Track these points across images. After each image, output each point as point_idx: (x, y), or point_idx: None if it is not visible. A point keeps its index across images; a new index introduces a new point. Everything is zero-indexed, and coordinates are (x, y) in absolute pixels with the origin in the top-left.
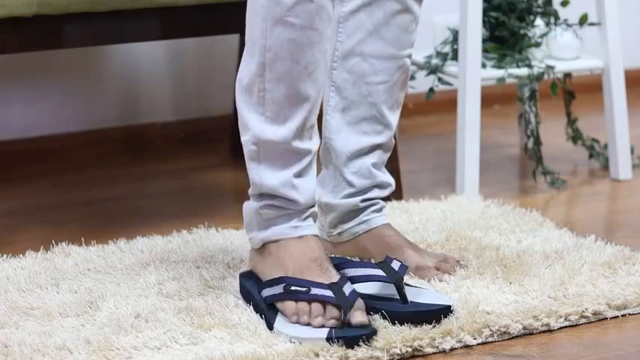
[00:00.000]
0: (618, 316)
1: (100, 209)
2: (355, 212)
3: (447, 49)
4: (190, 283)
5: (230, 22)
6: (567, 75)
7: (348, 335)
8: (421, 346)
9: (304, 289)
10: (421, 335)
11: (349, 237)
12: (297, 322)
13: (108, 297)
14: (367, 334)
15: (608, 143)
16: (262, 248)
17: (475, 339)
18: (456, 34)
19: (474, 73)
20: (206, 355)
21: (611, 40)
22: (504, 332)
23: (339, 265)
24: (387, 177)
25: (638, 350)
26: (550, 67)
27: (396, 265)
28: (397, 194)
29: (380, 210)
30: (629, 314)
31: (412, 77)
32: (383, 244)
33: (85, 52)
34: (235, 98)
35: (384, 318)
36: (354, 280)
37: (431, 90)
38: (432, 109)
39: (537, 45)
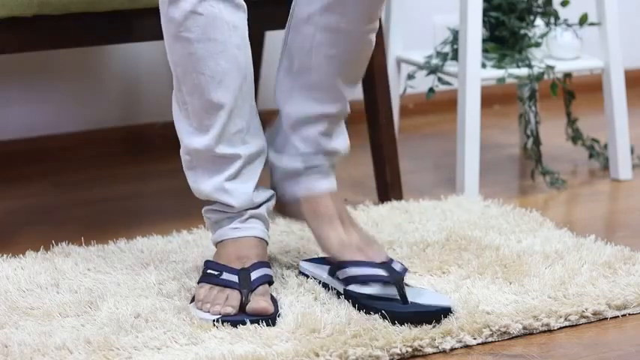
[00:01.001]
0: (618, 316)
1: (100, 209)
2: (297, 174)
3: (447, 49)
4: (190, 283)
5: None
6: (567, 75)
7: (234, 320)
8: (421, 346)
9: (217, 272)
10: (421, 335)
11: (291, 199)
12: (200, 309)
13: (108, 297)
14: (255, 319)
15: (608, 143)
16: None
17: (475, 339)
18: (456, 34)
19: (474, 73)
20: (206, 355)
21: (611, 40)
22: (504, 332)
23: (341, 264)
24: (335, 143)
25: (638, 350)
26: (550, 67)
27: (396, 265)
28: (397, 194)
29: (326, 175)
30: (629, 314)
31: (412, 77)
32: (315, 213)
33: (85, 52)
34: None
35: (384, 318)
36: (354, 280)
37: (431, 90)
38: (432, 109)
39: (537, 45)
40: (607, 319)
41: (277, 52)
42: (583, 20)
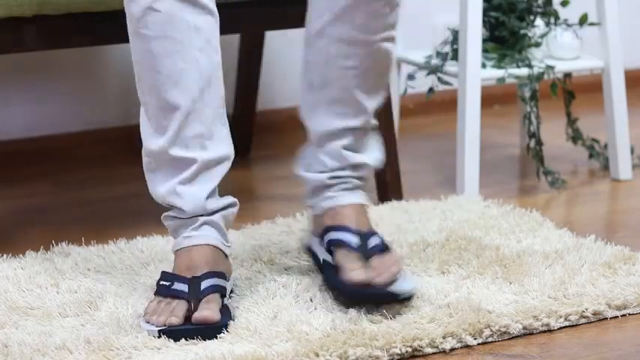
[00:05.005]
0: (618, 316)
1: (100, 209)
2: (323, 188)
3: (447, 49)
4: None
5: (230, 22)
6: (567, 75)
7: (177, 329)
8: (421, 346)
9: (168, 283)
10: (421, 335)
11: (319, 211)
12: (147, 322)
13: (108, 297)
14: (200, 329)
15: (608, 143)
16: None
17: (475, 339)
18: (456, 34)
19: (474, 73)
20: (206, 355)
21: (611, 40)
22: (504, 332)
23: (324, 230)
24: (362, 157)
25: (638, 350)
26: (550, 67)
27: (374, 240)
28: (397, 194)
29: (352, 189)
30: (629, 314)
31: (412, 77)
32: (333, 220)
33: (85, 52)
34: None
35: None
36: (328, 244)
37: (431, 90)
38: (432, 109)
39: (537, 45)
40: (607, 319)
41: (277, 52)
42: (583, 20)
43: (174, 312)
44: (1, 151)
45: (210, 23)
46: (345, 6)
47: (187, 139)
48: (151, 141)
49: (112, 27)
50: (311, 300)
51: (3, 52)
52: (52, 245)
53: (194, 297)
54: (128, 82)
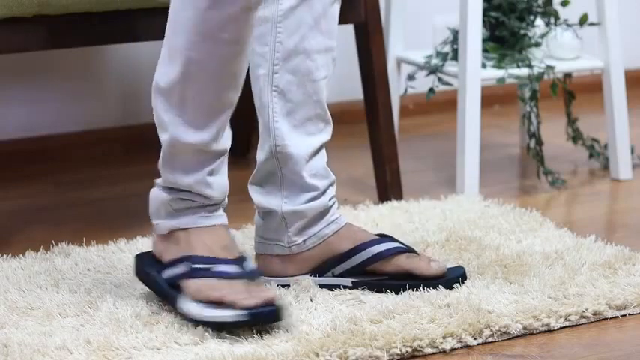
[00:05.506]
0: (618, 316)
1: (100, 209)
2: (322, 214)
3: (447, 49)
4: None
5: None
6: (567, 75)
7: (264, 312)
8: (421, 346)
9: (208, 266)
10: (421, 335)
11: (316, 241)
12: (203, 301)
13: (108, 297)
14: (276, 309)
15: (608, 143)
16: (168, 235)
17: (475, 339)
18: (456, 34)
19: (474, 73)
20: (206, 355)
21: (611, 40)
22: (504, 332)
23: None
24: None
25: (638, 350)
26: (550, 67)
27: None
28: (397, 194)
29: (337, 207)
30: (629, 314)
31: (412, 77)
32: (356, 238)
33: (85, 52)
34: (152, 99)
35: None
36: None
37: (431, 90)
38: (432, 109)
39: (537, 45)
40: (607, 319)
41: None
42: (583, 20)
43: (253, 293)
44: (1, 151)
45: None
46: (317, 15)
47: (222, 132)
48: (185, 133)
49: (112, 27)
50: (311, 300)
51: (3, 52)
52: (52, 245)
53: (250, 278)
54: (128, 82)
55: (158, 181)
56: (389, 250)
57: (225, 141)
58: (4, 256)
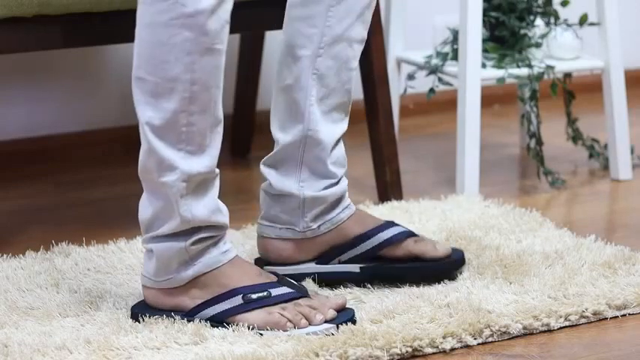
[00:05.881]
0: (618, 316)
1: (100, 209)
2: (339, 200)
3: (447, 49)
4: None
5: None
6: (567, 75)
7: (345, 319)
8: (421, 346)
9: (265, 293)
10: (421, 335)
11: (331, 226)
12: (299, 326)
13: (108, 297)
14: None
15: (608, 143)
16: (186, 285)
17: (475, 339)
18: (456, 34)
19: (474, 73)
20: (206, 355)
21: (611, 40)
22: (504, 332)
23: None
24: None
25: (638, 350)
26: (550, 67)
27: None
28: (397, 194)
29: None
30: (629, 314)
31: (412, 77)
32: (366, 224)
33: (85, 52)
34: (145, 144)
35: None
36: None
37: (431, 90)
38: (432, 109)
39: (537, 45)
40: (607, 319)
41: (277, 52)
42: (583, 20)
43: (320, 309)
44: (1, 151)
45: None
46: (364, 5)
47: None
48: (192, 163)
49: (112, 27)
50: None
51: (3, 52)
52: (52, 245)
53: (302, 293)
54: (128, 82)
55: (150, 237)
56: (397, 235)
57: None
58: (4, 256)
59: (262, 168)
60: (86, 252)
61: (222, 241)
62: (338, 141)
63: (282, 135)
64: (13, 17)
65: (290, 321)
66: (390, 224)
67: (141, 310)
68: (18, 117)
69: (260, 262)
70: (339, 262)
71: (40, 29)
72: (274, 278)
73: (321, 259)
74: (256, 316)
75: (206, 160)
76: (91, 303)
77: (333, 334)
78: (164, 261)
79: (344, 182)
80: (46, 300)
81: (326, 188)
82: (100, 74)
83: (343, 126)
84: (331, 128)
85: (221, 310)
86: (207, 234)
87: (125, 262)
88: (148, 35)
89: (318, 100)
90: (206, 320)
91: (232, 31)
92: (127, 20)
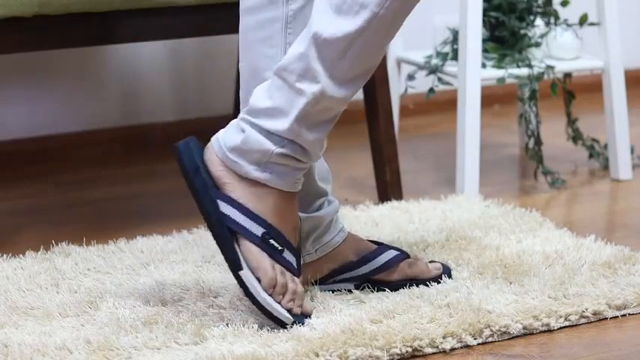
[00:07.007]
0: (618, 316)
1: (100, 209)
2: (332, 222)
3: (447, 49)
4: (189, 284)
5: (230, 22)
6: (567, 75)
7: (302, 322)
8: (421, 347)
9: (280, 248)
10: (421, 335)
11: (327, 250)
12: (270, 295)
13: (108, 297)
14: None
15: (608, 143)
16: (243, 181)
17: (475, 339)
18: (456, 34)
19: (474, 73)
20: (206, 355)
21: (611, 40)
22: (504, 332)
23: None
24: None
25: (638, 350)
26: (550, 67)
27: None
28: (397, 194)
29: None
30: (629, 314)
31: (412, 77)
32: (360, 249)
33: (85, 52)
34: (301, 48)
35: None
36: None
37: (431, 90)
38: (432, 109)
39: (537, 45)
40: (607, 319)
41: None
42: (583, 20)
43: (298, 297)
44: (2, 151)
45: None
46: None
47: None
48: (335, 89)
49: (112, 27)
50: (311, 300)
51: (3, 52)
52: (52, 245)
53: (298, 275)
54: (128, 82)
55: (252, 121)
56: (392, 260)
57: None
58: (4, 256)
59: None
60: (86, 252)
61: (300, 172)
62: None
63: None
64: (13, 17)
65: (275, 286)
66: (384, 249)
67: (188, 153)
68: (18, 117)
69: None
70: (334, 282)
71: (40, 29)
72: (297, 241)
73: (317, 281)
74: (257, 254)
75: (343, 92)
76: (91, 303)
77: (277, 329)
78: (247, 147)
79: (335, 202)
80: (46, 300)
81: (319, 208)
82: (100, 74)
83: None
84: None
85: (240, 222)
86: (296, 155)
87: (125, 262)
88: None
89: None
90: (222, 217)
91: (232, 31)
92: (127, 20)
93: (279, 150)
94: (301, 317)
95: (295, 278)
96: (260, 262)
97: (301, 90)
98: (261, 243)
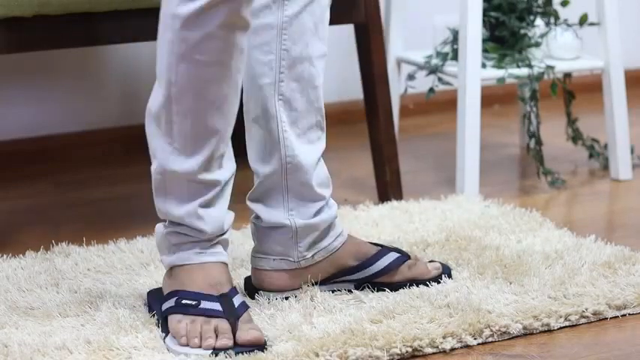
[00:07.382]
0: (618, 316)
1: (100, 209)
2: (330, 227)
3: (447, 49)
4: None
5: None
6: (567, 75)
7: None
8: (421, 347)
9: (194, 302)
10: (421, 335)
11: (324, 255)
12: (185, 345)
13: (108, 297)
14: (253, 350)
15: (608, 143)
16: (170, 271)
17: (475, 339)
18: (456, 34)
19: (474, 73)
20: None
21: (611, 40)
22: (504, 332)
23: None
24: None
25: (638, 350)
26: (550, 67)
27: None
28: (397, 194)
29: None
30: (629, 314)
31: (412, 77)
32: (360, 253)
33: (85, 52)
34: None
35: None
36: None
37: (431, 90)
38: (432, 109)
39: (537, 45)
40: (607, 319)
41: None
42: (583, 20)
43: (222, 333)
44: (2, 151)
45: (246, 40)
46: (316, 20)
47: (214, 161)
48: (174, 163)
49: (112, 27)
50: (311, 299)
51: (3, 52)
52: (52, 245)
53: (232, 316)
54: (128, 82)
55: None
56: (393, 264)
57: (222, 172)
58: (4, 256)
59: (249, 203)
60: (86, 252)
61: (201, 244)
62: (318, 160)
63: (261, 167)
64: (13, 17)
65: (184, 336)
66: (385, 251)
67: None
68: (18, 117)
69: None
70: (334, 283)
71: (40, 29)
72: (226, 290)
73: (317, 283)
74: (172, 319)
75: (188, 163)
76: (91, 303)
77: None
78: (158, 240)
79: (334, 207)
80: (46, 300)
81: (317, 214)
82: (100, 74)
83: (321, 145)
84: (309, 150)
85: (164, 308)
86: (184, 231)
87: (125, 262)
88: (159, 24)
89: (290, 124)
90: (161, 314)
91: None
92: (126, 20)
93: (167, 231)
94: (238, 347)
95: (219, 319)
96: (173, 325)
97: (152, 170)
98: (178, 308)
